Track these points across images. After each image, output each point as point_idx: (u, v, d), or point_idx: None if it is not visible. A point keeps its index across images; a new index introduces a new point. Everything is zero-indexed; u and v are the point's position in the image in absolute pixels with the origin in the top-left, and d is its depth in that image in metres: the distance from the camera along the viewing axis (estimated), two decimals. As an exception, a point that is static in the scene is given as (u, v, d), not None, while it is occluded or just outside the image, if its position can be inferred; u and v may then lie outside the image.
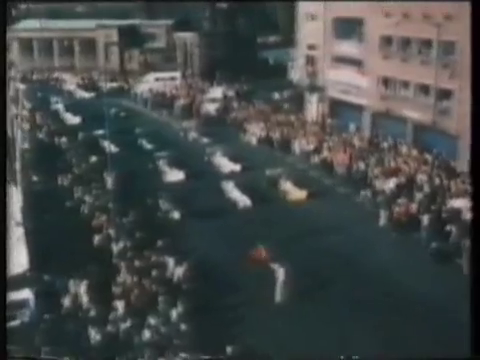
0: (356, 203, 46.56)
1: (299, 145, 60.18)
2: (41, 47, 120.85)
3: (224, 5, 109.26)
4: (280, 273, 32.39)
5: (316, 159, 56.95)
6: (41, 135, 67.16)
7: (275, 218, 43.81)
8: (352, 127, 63.96)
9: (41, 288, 31.41)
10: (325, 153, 56.87)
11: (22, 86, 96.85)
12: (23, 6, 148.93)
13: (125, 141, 61.36)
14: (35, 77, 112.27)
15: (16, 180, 46.76)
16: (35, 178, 50.99)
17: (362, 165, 51.93)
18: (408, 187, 46.00)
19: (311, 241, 38.89)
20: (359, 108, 63.12)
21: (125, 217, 41.28)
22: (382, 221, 41.83)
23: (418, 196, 43.94)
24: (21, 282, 31.10)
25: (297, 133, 63.69)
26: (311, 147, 58.96)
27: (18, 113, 73.94)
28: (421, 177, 47.42)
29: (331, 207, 46.00)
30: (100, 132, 60.68)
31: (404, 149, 55.20)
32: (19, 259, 33.58)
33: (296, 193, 48.35)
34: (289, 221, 43.11)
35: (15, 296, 29.11)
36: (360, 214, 44.05)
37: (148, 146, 63.19)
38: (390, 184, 46.69)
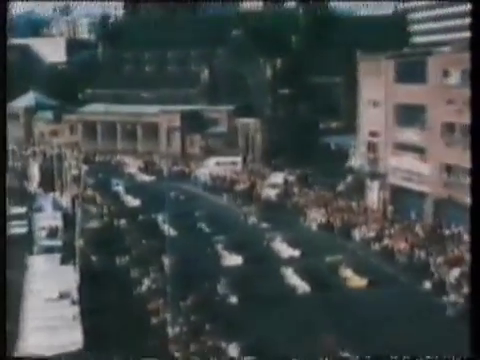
0: (419, 292, 45.22)
1: (360, 232, 59.34)
2: (105, 130, 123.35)
3: (286, 90, 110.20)
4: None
5: (377, 246, 55.93)
6: (101, 216, 67.62)
7: (335, 305, 42.75)
8: (414, 215, 62.79)
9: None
10: (386, 240, 55.88)
11: (85, 167, 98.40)
12: (89, 90, 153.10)
13: (184, 224, 61.40)
14: (97, 159, 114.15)
15: (75, 259, 46.82)
16: (93, 258, 51.03)
17: (424, 253, 50.70)
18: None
19: (372, 330, 37.66)
20: (421, 195, 62.14)
21: (182, 301, 40.78)
22: (449, 311, 40.42)
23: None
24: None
25: (358, 220, 62.92)
26: (372, 234, 58.07)
27: (79, 193, 74.88)
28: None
29: (392, 296, 44.74)
30: (159, 215, 60.93)
31: (467, 238, 53.83)
32: (74, 338, 33.26)
33: (356, 281, 47.35)
34: (349, 309, 41.98)
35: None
36: (423, 304, 42.67)
37: (207, 230, 63.03)
38: (454, 273, 45.36)
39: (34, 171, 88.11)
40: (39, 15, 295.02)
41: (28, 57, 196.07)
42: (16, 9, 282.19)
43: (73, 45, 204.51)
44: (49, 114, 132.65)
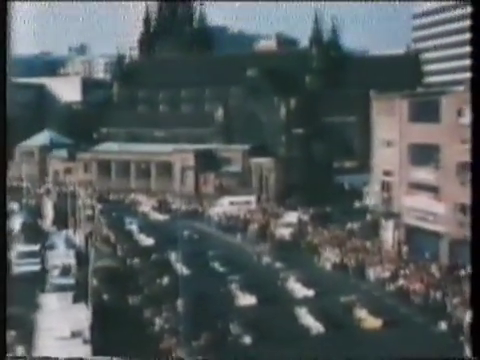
0: (435, 333, 44.61)
1: (374, 272, 58.88)
2: (119, 169, 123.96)
3: (300, 130, 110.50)
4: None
5: (392, 287, 55.43)
6: (114, 255, 67.47)
7: (349, 346, 42.20)
8: (429, 255, 62.26)
9: None
10: (401, 281, 55.37)
11: (98, 205, 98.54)
12: (104, 129, 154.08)
13: (197, 263, 61.20)
14: (111, 197, 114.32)
15: (87, 297, 46.56)
16: (106, 296, 50.74)
17: (440, 294, 50.13)
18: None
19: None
20: (436, 235, 61.65)
21: (195, 340, 40.37)
22: (467, 353, 39.76)
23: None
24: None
25: (372, 260, 62.41)
26: (387, 274, 57.56)
27: (93, 231, 74.88)
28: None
29: (408, 337, 44.16)
30: (173, 254, 60.72)
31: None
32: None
33: (371, 321, 46.81)
34: (364, 350, 41.43)
35: None
36: (440, 345, 42.05)
37: (220, 269, 62.67)
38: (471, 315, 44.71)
39: (48, 209, 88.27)
40: (55, 55, 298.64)
41: (44, 96, 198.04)
42: (34, 49, 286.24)
43: (88, 84, 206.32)
44: (64, 152, 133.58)
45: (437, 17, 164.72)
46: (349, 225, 79.71)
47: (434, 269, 57.58)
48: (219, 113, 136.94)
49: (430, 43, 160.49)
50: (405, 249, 65.98)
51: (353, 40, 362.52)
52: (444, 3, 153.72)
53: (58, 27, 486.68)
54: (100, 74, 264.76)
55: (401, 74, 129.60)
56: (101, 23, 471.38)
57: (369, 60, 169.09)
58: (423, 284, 52.77)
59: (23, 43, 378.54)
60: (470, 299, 22.29)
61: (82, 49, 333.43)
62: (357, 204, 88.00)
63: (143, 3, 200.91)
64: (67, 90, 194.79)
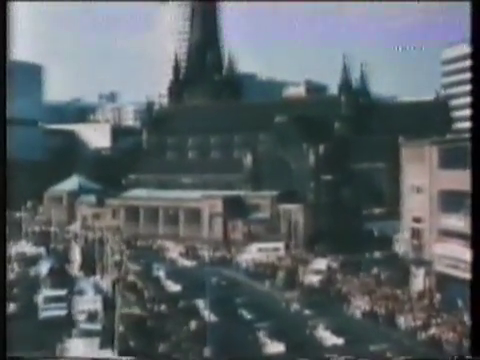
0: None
1: (405, 320, 57.75)
2: (147, 215, 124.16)
3: (329, 176, 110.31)
4: None
5: (423, 336, 54.22)
6: (141, 301, 67.04)
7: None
8: (461, 303, 61.06)
9: None
10: (433, 330, 54.17)
11: (126, 251, 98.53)
12: (132, 176, 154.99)
13: (225, 310, 60.51)
14: (139, 243, 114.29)
15: (114, 343, 46.15)
16: (133, 343, 50.25)
17: (474, 344, 48.91)
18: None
19: None
20: (468, 283, 60.45)
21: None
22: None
23: None
24: None
25: (403, 308, 61.32)
26: (418, 323, 56.41)
27: (120, 277, 74.68)
28: None
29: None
30: (200, 301, 60.18)
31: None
32: None
33: (403, 371, 45.79)
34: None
35: None
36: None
37: (248, 316, 61.87)
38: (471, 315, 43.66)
39: (75, 254, 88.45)
40: (86, 102, 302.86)
41: (74, 142, 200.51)
42: (65, 96, 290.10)
43: (118, 131, 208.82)
44: (92, 198, 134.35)
45: (466, 63, 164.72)
46: (379, 272, 78.87)
47: (467, 318, 56.37)
48: (248, 159, 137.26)
49: (459, 89, 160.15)
50: (437, 297, 64.92)
51: (382, 86, 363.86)
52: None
53: (89, 75, 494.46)
54: (129, 121, 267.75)
55: (430, 120, 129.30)
56: (131, 71, 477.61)
57: (398, 106, 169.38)
58: (456, 333, 51.60)
59: (55, 90, 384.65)
60: (470, 299, 21.95)
61: (112, 96, 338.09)
62: (387, 251, 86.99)
63: (173, 51, 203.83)
64: (97, 136, 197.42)
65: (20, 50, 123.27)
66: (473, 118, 24.56)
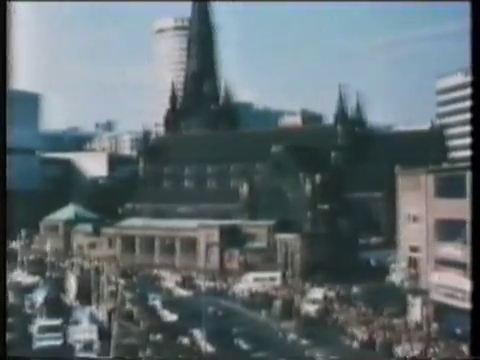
0: None
1: (403, 350, 57.46)
2: (143, 244, 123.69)
3: (325, 206, 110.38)
4: None
5: (421, 366, 53.95)
6: (137, 331, 66.69)
7: None
8: (459, 332, 60.76)
9: None
10: (431, 359, 53.87)
11: (122, 281, 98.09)
12: (129, 205, 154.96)
13: (222, 341, 59.98)
14: (135, 273, 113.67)
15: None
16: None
17: (471, 374, 48.66)
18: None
19: None
20: (466, 313, 60.22)
21: None
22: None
23: None
24: None
25: (400, 338, 61.01)
26: (416, 353, 56.16)
27: (116, 307, 74.27)
28: None
29: None
30: (197, 331, 59.83)
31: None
32: None
33: (400, 401, 45.45)
34: None
35: None
36: None
37: (245, 346, 61.43)
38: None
39: (71, 283, 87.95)
40: (82, 131, 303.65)
41: (70, 171, 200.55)
42: (62, 125, 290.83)
43: (114, 160, 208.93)
44: (88, 227, 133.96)
45: (461, 92, 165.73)
46: (376, 302, 78.55)
47: (465, 348, 56.11)
48: (244, 189, 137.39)
49: (455, 118, 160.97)
50: (434, 326, 64.64)
51: (377, 116, 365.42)
52: (468, 79, 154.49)
53: (86, 104, 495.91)
54: (126, 150, 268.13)
55: (426, 149, 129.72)
56: (127, 100, 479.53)
57: (394, 136, 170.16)
58: (453, 363, 51.37)
59: (52, 119, 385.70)
60: (470, 299, 21.89)
61: (109, 126, 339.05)
62: (384, 281, 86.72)
63: (169, 81, 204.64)
64: (93, 165, 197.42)
65: (18, 79, 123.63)
66: (473, 146, 24.68)
